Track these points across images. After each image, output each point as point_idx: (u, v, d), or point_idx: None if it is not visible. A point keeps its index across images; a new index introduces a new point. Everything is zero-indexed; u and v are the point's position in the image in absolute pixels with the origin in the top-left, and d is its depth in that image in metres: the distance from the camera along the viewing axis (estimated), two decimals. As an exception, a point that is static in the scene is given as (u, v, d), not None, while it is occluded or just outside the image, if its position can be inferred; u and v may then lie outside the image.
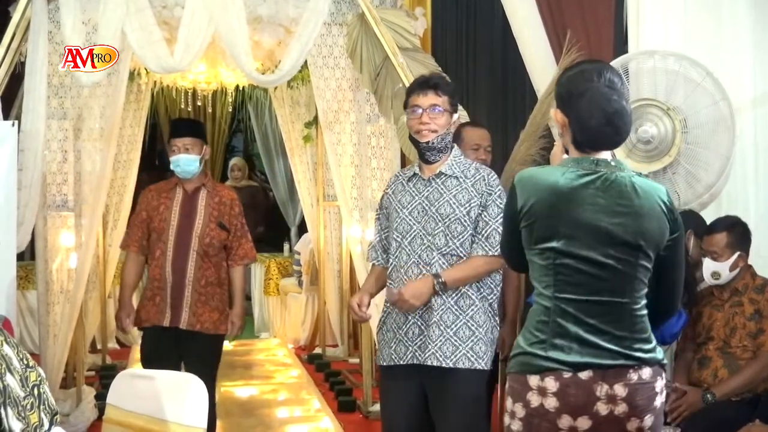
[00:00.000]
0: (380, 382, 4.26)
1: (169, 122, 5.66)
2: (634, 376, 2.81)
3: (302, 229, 10.84)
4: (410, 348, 3.88)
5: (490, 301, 4.00)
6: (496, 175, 4.06)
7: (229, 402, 7.00)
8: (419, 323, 3.88)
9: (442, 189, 3.93)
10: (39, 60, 5.59)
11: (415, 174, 4.02)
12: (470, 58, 7.77)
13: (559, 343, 2.81)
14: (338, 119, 6.29)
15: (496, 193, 3.95)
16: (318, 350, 9.13)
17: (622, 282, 2.83)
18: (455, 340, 3.85)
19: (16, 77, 5.79)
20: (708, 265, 4.41)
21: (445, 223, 3.87)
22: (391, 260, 4.02)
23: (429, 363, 3.83)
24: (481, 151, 4.81)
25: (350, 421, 6.52)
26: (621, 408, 2.79)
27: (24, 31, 5.63)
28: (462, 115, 5.19)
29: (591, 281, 2.81)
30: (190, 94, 8.43)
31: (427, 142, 3.92)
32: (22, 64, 5.70)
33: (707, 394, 4.24)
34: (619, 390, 2.79)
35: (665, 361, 2.94)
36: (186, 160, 5.11)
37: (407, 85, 5.74)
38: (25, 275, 8.43)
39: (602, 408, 2.78)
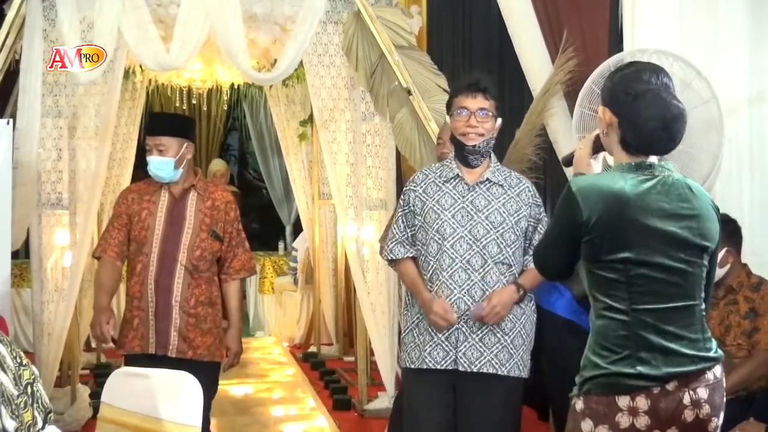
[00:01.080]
0: (405, 384, 4.12)
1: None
2: (710, 376, 2.78)
3: (297, 227, 10.83)
4: (450, 353, 3.80)
5: (532, 307, 4.00)
6: (534, 187, 4.05)
7: (223, 400, 6.98)
8: (464, 329, 3.79)
9: (488, 196, 3.87)
10: (34, 58, 5.59)
11: (457, 176, 3.91)
12: (466, 56, 7.77)
13: (645, 356, 2.72)
14: (333, 117, 6.29)
15: (541, 205, 3.99)
16: (313, 349, 9.13)
17: (692, 285, 2.80)
18: (511, 348, 3.83)
19: (11, 75, 5.79)
20: None
21: (498, 231, 3.81)
22: (429, 263, 3.88)
23: (485, 370, 3.77)
24: (442, 145, 4.73)
25: (345, 420, 6.51)
26: (705, 410, 2.75)
27: (19, 29, 5.63)
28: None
29: (666, 288, 2.76)
30: (185, 92, 8.42)
31: (474, 146, 3.86)
32: (17, 62, 5.69)
33: None
34: (702, 393, 2.75)
35: None
36: (158, 164, 4.42)
37: (403, 83, 5.76)
38: (19, 273, 8.43)
39: (689, 415, 2.73)
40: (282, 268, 10.20)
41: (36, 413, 2.03)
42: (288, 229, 12.35)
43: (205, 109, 11.05)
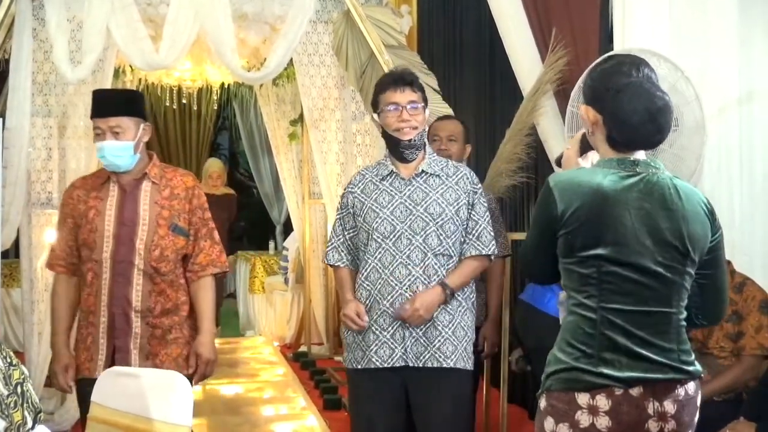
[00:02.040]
0: (352, 385, 4.05)
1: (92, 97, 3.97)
2: (681, 392, 2.68)
3: (288, 227, 10.83)
4: (397, 350, 3.79)
5: (472, 300, 3.98)
6: (473, 173, 4.02)
7: (214, 400, 6.99)
8: (405, 325, 3.78)
9: (425, 188, 3.86)
10: (23, 57, 5.59)
11: (392, 172, 3.91)
12: (456, 56, 7.77)
13: (609, 357, 2.64)
14: (324, 117, 6.30)
15: (479, 191, 3.95)
16: (303, 348, 9.12)
17: (670, 291, 2.69)
18: (453, 340, 3.82)
19: (0, 74, 5.78)
20: None
21: (438, 222, 3.80)
22: (367, 262, 3.86)
23: (429, 364, 3.77)
24: (439, 141, 4.75)
25: (335, 419, 6.51)
26: (670, 425, 2.66)
27: (8, 28, 5.62)
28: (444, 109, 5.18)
29: (639, 290, 2.65)
30: (175, 91, 8.41)
31: (409, 140, 3.84)
32: (7, 62, 5.69)
33: None
34: (669, 407, 2.66)
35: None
36: (113, 150, 3.80)
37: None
38: (9, 273, 8.41)
39: (653, 426, 2.65)
40: (272, 268, 10.19)
41: (26, 413, 2.02)
42: (278, 229, 12.37)
43: (195, 108, 11.05)
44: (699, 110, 4.62)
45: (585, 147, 3.03)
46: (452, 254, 3.85)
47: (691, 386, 2.71)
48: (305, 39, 6.05)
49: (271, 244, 11.16)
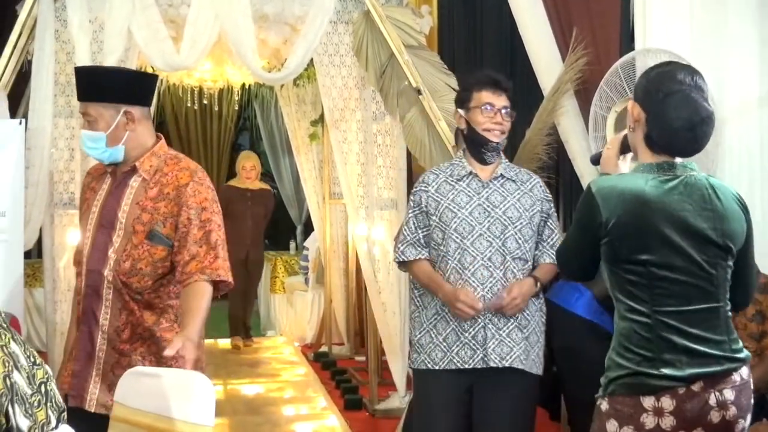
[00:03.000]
0: (421, 385, 4.02)
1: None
2: (737, 378, 2.77)
3: (308, 227, 10.85)
4: (478, 351, 3.79)
5: (542, 305, 4.02)
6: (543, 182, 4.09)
7: (235, 400, 7.01)
8: (490, 326, 3.79)
9: (503, 192, 3.89)
10: (46, 58, 5.61)
11: (470, 173, 3.92)
12: (477, 56, 7.77)
13: (669, 358, 2.72)
14: (344, 117, 6.30)
15: (551, 200, 4.04)
16: (324, 348, 9.14)
17: (716, 286, 2.79)
18: (527, 345, 3.85)
19: (23, 76, 5.81)
20: None
21: (516, 227, 3.83)
22: (447, 263, 3.85)
23: (516, 365, 3.78)
24: None
25: (356, 419, 6.52)
26: (731, 412, 2.74)
27: (31, 29, 5.64)
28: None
29: (689, 290, 2.75)
30: (196, 92, 8.44)
31: (497, 143, 3.90)
32: (29, 63, 5.71)
33: None
34: (728, 394, 2.74)
35: None
36: (85, 140, 3.29)
37: (413, 83, 5.75)
38: (32, 273, 8.45)
39: (715, 416, 2.72)
40: (293, 268, 10.22)
41: (50, 412, 2.03)
42: (299, 229, 12.39)
43: (216, 109, 11.11)
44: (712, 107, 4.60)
45: (624, 148, 3.08)
46: (528, 258, 3.90)
47: (744, 371, 2.80)
48: (325, 39, 6.05)
49: (292, 245, 11.19)
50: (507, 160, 4.05)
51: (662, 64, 3.01)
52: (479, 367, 3.78)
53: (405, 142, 6.07)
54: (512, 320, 3.81)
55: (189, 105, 8.94)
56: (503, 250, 3.81)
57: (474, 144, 3.94)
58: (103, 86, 3.29)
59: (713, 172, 4.75)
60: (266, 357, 8.95)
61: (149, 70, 7.20)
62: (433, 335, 3.89)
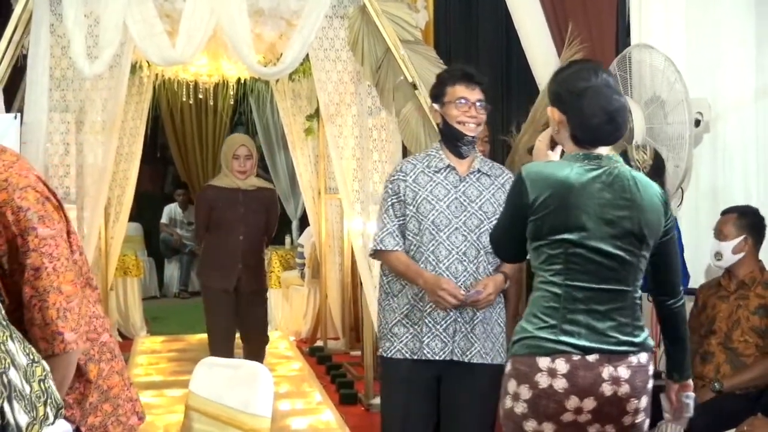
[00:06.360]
0: (390, 374, 4.04)
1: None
2: (634, 360, 2.94)
3: (303, 221, 10.85)
4: (448, 344, 3.84)
5: (502, 299, 4.05)
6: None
7: (230, 394, 7.02)
8: (459, 320, 3.84)
9: (478, 186, 3.92)
10: (41, 52, 5.60)
11: (448, 166, 3.93)
12: (472, 50, 7.76)
13: (569, 328, 2.91)
14: (340, 112, 6.29)
15: None
16: (319, 343, 9.15)
17: (627, 271, 2.97)
18: (492, 337, 3.92)
19: (18, 70, 5.80)
20: (712, 245, 4.49)
21: (491, 221, 3.82)
22: (421, 253, 3.87)
23: (474, 361, 3.84)
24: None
25: (351, 414, 6.53)
26: (623, 389, 2.91)
27: (26, 23, 5.63)
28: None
29: (600, 270, 2.93)
30: (191, 86, 8.43)
31: (473, 137, 3.92)
32: (24, 57, 5.71)
33: (715, 383, 4.29)
34: (623, 372, 2.91)
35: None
36: None
37: (408, 77, 5.75)
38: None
39: (607, 389, 2.89)
40: (289, 263, 10.22)
41: (48, 409, 2.04)
42: (294, 224, 12.37)
43: (211, 103, 11.05)
44: (683, 88, 4.60)
45: (554, 143, 3.23)
46: None
47: (643, 356, 2.99)
48: (321, 34, 6.04)
49: (287, 239, 11.18)
50: (481, 155, 4.08)
51: (567, 66, 3.25)
52: (447, 359, 3.85)
53: (401, 136, 6.06)
54: (478, 315, 3.86)
55: (184, 100, 8.92)
56: (478, 245, 3.85)
57: (450, 138, 3.96)
58: None
59: (710, 167, 4.77)
60: (262, 351, 8.94)
61: (145, 65, 7.23)
62: (407, 325, 3.92)
